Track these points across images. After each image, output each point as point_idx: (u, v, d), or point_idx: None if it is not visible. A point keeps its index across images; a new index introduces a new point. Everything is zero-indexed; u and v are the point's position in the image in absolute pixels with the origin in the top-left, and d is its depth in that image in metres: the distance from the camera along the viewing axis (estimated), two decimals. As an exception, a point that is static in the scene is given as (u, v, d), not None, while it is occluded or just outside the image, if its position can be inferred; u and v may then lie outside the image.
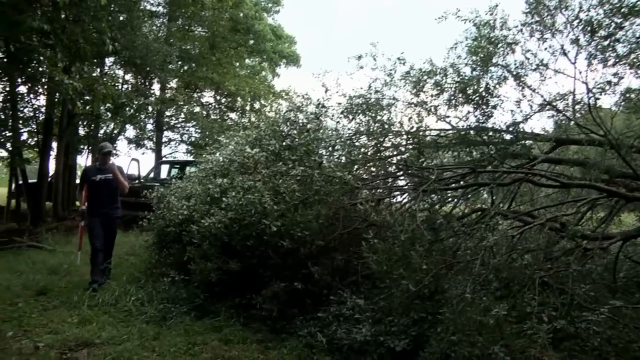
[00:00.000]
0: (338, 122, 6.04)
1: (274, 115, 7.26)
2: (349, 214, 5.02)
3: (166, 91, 21.29)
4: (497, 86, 5.28)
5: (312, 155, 5.37)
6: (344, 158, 5.67)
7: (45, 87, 11.93)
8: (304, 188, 4.99)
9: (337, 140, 5.58)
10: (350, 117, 5.90)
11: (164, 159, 21.38)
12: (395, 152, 5.83)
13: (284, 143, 5.96)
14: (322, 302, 4.60)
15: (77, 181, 20.92)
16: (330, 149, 5.74)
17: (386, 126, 5.65)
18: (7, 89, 14.46)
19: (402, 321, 4.01)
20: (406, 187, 5.68)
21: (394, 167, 5.72)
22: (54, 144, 15.76)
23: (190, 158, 20.21)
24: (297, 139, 5.58)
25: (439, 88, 5.51)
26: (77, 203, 19.05)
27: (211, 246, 5.19)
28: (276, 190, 5.13)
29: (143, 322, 4.94)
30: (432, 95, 5.60)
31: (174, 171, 15.50)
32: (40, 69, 10.88)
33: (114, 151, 18.76)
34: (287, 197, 4.93)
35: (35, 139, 16.20)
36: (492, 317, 3.24)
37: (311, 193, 4.91)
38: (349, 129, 5.92)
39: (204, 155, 8.87)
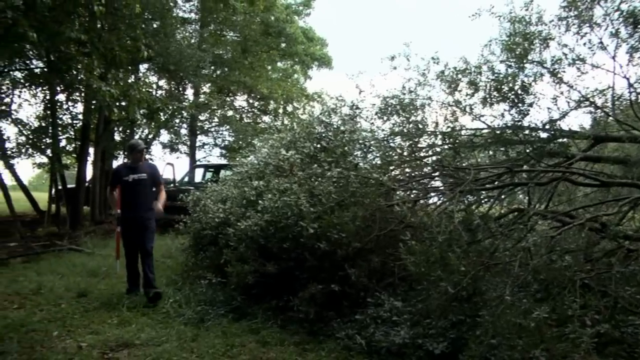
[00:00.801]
0: (372, 123, 6.08)
1: (308, 118, 7.32)
2: (385, 216, 5.01)
3: (199, 96, 21.63)
4: (533, 83, 5.22)
5: (348, 157, 5.40)
6: (379, 159, 5.69)
7: (83, 94, 12.28)
8: (340, 190, 5.02)
9: (372, 142, 5.59)
10: (385, 118, 5.92)
11: (198, 162, 21.74)
12: (430, 153, 5.82)
13: (318, 145, 6.01)
14: (359, 304, 4.61)
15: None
16: (365, 150, 5.75)
17: (421, 126, 5.65)
18: (48, 97, 15.04)
19: (441, 324, 3.99)
20: (442, 187, 5.66)
21: (429, 167, 5.71)
22: (91, 150, 16.26)
23: (224, 161, 20.52)
24: (332, 141, 5.62)
25: (473, 87, 5.47)
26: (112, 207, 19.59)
27: (248, 249, 5.28)
28: (312, 193, 5.18)
29: (181, 323, 5.04)
30: (466, 94, 5.58)
31: (208, 175, 15.72)
32: (78, 77, 11.19)
33: (147, 149, 19.16)
34: (323, 199, 4.97)
35: (73, 145, 16.79)
36: (533, 320, 3.21)
37: (347, 195, 4.93)
38: (383, 130, 5.95)
39: (237, 159, 9.02)
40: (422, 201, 5.57)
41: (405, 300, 4.41)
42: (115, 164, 20.90)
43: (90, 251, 9.50)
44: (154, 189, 6.28)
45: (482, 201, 5.46)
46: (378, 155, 5.66)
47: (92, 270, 7.60)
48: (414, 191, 5.62)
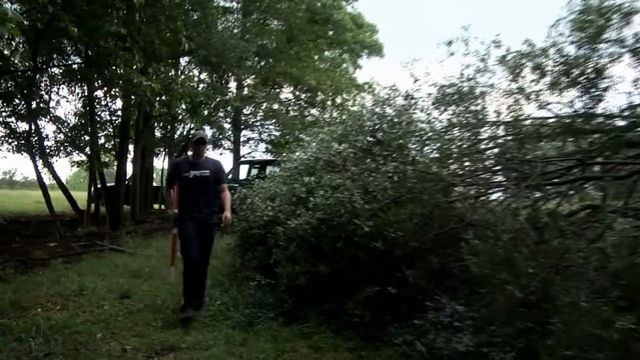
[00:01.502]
0: (429, 114, 6.00)
1: (360, 110, 7.30)
2: (445, 213, 4.94)
3: (243, 88, 21.92)
4: (609, 65, 5.00)
5: (404, 150, 5.35)
6: (437, 153, 5.61)
7: (122, 89, 12.58)
8: (396, 185, 4.98)
9: (430, 134, 5.52)
10: (442, 108, 5.83)
11: (242, 158, 22.07)
12: (492, 145, 5.69)
13: (372, 138, 5.99)
14: (418, 308, 4.55)
15: (155, 183, 22.29)
16: (422, 143, 5.69)
17: (481, 116, 5.54)
18: (86, 93, 15.47)
19: (507, 331, 3.88)
20: (505, 182, 5.52)
21: (491, 161, 5.59)
22: (131, 147, 16.63)
23: (270, 157, 20.73)
24: (387, 133, 5.59)
25: (539, 71, 5.31)
26: (160, 206, 20.35)
27: (298, 249, 5.32)
28: (366, 189, 5.16)
29: (229, 327, 5.11)
30: (531, 80, 5.42)
31: (254, 171, 15.92)
32: (118, 72, 11.42)
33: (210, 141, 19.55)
34: (378, 195, 4.95)
35: (112, 142, 17.28)
36: (615, 332, 3.06)
37: (404, 191, 4.89)
38: (440, 121, 5.87)
39: (285, 154, 9.10)
40: (483, 197, 5.45)
41: (467, 305, 4.32)
42: (156, 161, 21.64)
43: (131, 251, 9.74)
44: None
45: (550, 197, 5.30)
46: (436, 148, 5.58)
47: (135, 271, 7.78)
48: (475, 186, 5.50)
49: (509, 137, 5.41)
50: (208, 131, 21.48)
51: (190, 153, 6.11)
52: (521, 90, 5.44)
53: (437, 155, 5.48)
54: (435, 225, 4.85)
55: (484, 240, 4.10)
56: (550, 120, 5.47)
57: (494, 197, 5.45)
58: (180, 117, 17.41)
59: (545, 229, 4.18)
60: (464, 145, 5.65)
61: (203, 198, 5.62)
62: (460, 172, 5.53)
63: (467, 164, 5.66)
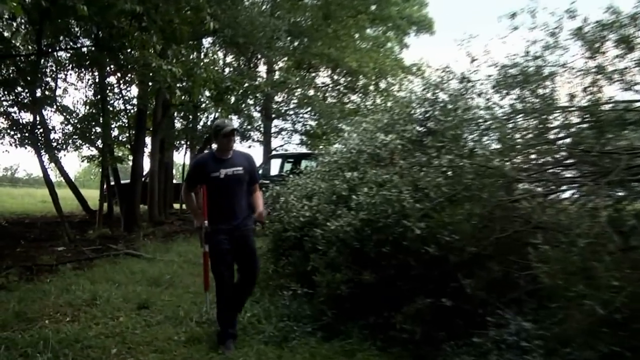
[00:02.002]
0: (488, 99, 5.91)
1: (408, 95, 7.27)
2: (508, 214, 4.86)
3: (274, 73, 22.02)
4: None
5: (460, 141, 5.29)
6: (498, 143, 5.52)
7: (138, 75, 12.62)
8: (452, 182, 4.94)
9: (490, 122, 5.44)
10: (504, 92, 5.73)
11: (274, 152, 22.22)
12: (564, 134, 5.57)
13: (423, 128, 5.95)
14: (477, 324, 4.48)
15: (176, 180, 22.53)
16: (481, 132, 5.61)
17: (551, 101, 5.42)
18: (97, 80, 15.64)
19: (586, 355, 3.70)
20: (580, 178, 5.39)
21: (563, 152, 5.46)
22: (148, 140, 16.83)
23: (305, 150, 20.78)
24: (441, 122, 5.53)
25: (624, 45, 5.14)
26: (181, 206, 20.62)
27: (339, 254, 5.33)
28: (417, 185, 5.14)
29: (261, 342, 5.13)
30: (615, 57, 5.25)
31: (287, 166, 15.97)
32: (133, 55, 11.45)
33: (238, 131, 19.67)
34: (430, 193, 4.91)
35: (127, 134, 17.46)
36: None
37: (460, 188, 4.83)
38: (502, 107, 5.77)
39: (322, 146, 9.11)
40: (554, 195, 5.34)
41: (536, 322, 4.22)
42: (176, 155, 21.96)
43: (150, 256, 9.90)
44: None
45: (637, 196, 5.15)
46: (497, 138, 5.49)
47: (154, 278, 7.89)
48: (543, 183, 5.39)
49: (585, 125, 5.26)
50: (235, 121, 21.67)
51: (214, 147, 5.64)
52: (601, 69, 5.28)
53: (498, 147, 5.38)
54: (496, 227, 4.76)
55: (556, 245, 4.00)
56: (638, 105, 5.31)
57: (566, 195, 5.32)
58: (203, 105, 17.61)
59: (632, 233, 4.06)
60: (530, 135, 5.52)
61: (238, 202, 5.20)
62: (525, 166, 5.41)
63: (534, 156, 5.54)
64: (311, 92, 23.22)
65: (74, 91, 29.22)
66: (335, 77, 24.47)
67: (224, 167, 5.17)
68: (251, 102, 20.21)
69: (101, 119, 15.02)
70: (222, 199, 5.19)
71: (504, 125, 5.46)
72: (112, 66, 14.16)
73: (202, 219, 5.29)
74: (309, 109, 22.69)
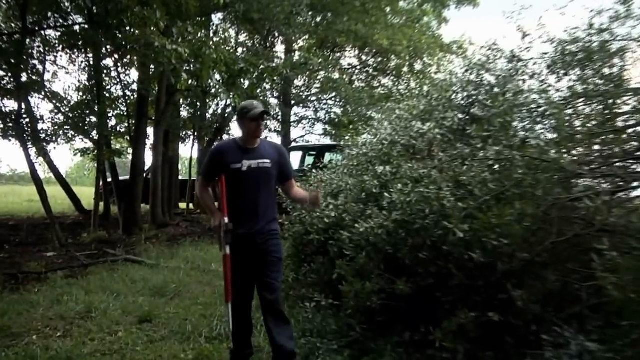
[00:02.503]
0: (543, 81, 5.85)
1: (448, 78, 7.22)
2: (567, 215, 4.79)
3: (294, 53, 22.02)
4: None
5: (509, 130, 5.23)
6: (554, 133, 5.45)
7: (139, 56, 12.55)
8: (500, 177, 4.89)
9: (546, 108, 5.36)
10: (562, 72, 5.67)
11: (294, 144, 22.24)
12: (635, 121, 5.47)
13: (466, 115, 5.90)
14: (530, 343, 4.44)
15: (182, 176, 22.59)
16: (534, 120, 5.54)
17: (619, 82, 5.34)
18: (91, 62, 15.66)
19: None
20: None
21: (634, 143, 5.37)
22: (150, 131, 16.94)
23: (329, 141, 20.76)
24: (487, 108, 5.47)
25: None
26: (188, 205, 20.73)
27: (369, 260, 5.29)
28: (459, 181, 5.09)
29: (280, 360, 5.14)
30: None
31: (309, 159, 16.01)
32: (133, 34, 11.38)
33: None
34: (475, 190, 4.86)
35: (126, 124, 17.51)
36: None
37: (510, 184, 4.77)
38: (560, 90, 5.71)
39: (349, 137, 9.08)
40: (622, 193, 5.25)
41: (603, 342, 4.12)
42: (183, 147, 22.03)
43: (153, 263, 9.99)
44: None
45: None
46: (554, 126, 5.41)
47: (157, 287, 7.94)
48: (609, 178, 5.31)
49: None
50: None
51: (238, 135, 5.24)
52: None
53: (555, 137, 5.31)
54: (553, 230, 4.69)
55: (626, 252, 3.94)
56: None
57: (637, 193, 5.24)
58: (213, 90, 17.65)
59: None
60: (594, 123, 5.45)
61: (262, 201, 4.91)
62: (588, 159, 5.35)
63: (597, 147, 5.46)
64: (336, 75, 23.14)
65: (65, 75, 29.43)
66: (364, 57, 24.43)
67: (247, 158, 4.87)
68: (268, 86, 20.21)
69: (96, 107, 15.09)
70: (242, 196, 4.86)
71: (562, 112, 5.39)
72: (108, 46, 14.17)
73: (221, 216, 4.84)
74: (334, 94, 22.65)
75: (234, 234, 4.76)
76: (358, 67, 24.86)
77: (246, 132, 4.94)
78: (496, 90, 5.83)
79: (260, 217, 4.85)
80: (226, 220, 4.78)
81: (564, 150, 5.02)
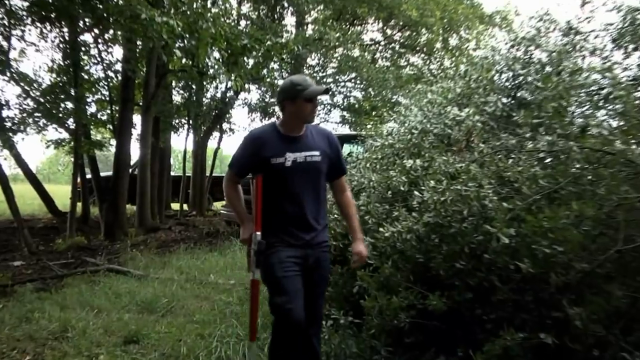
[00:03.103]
0: (606, 57, 5.80)
1: (489, 54, 7.20)
2: (636, 217, 4.74)
3: (306, 27, 22.02)
4: None
5: (565, 117, 5.18)
6: (619, 119, 5.40)
7: (124, 30, 12.48)
8: (553, 172, 4.84)
9: (610, 90, 5.30)
10: (630, 47, 5.61)
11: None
12: None
13: (511, 99, 5.86)
14: (591, 370, 4.42)
15: (174, 172, 22.72)
16: (594, 105, 5.49)
17: None
18: (66, 37, 15.58)
19: None
20: None
21: None
22: (137, 119, 16.98)
23: (348, 131, 20.74)
24: (537, 90, 5.42)
25: None
26: (182, 206, 20.80)
27: (396, 270, 5.28)
28: (503, 178, 5.08)
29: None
30: None
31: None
32: (117, 3, 11.34)
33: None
34: (523, 188, 4.83)
35: (109, 111, 17.50)
36: None
37: (565, 180, 4.73)
38: (627, 68, 5.65)
39: (371, 125, 9.05)
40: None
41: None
42: (175, 138, 22.22)
43: (140, 273, 10.00)
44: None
45: None
46: (620, 112, 5.36)
47: (146, 302, 7.95)
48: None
49: None
50: (254, 93, 21.66)
51: (275, 119, 4.97)
52: None
53: (621, 124, 5.26)
54: (618, 236, 4.63)
55: None
56: None
57: None
58: (211, 71, 17.64)
59: None
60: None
61: (311, 206, 4.64)
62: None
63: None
64: (356, 53, 23.14)
65: (35, 54, 29.61)
66: (389, 31, 24.41)
67: (292, 150, 4.57)
68: (276, 66, 20.19)
69: (73, 90, 15.11)
70: (288, 199, 4.59)
71: (630, 94, 5.32)
72: (87, 19, 14.13)
73: (252, 228, 4.57)
74: (353, 75, 22.63)
75: (278, 245, 4.49)
76: (382, 43, 24.86)
77: (294, 115, 4.60)
78: (548, 69, 5.79)
79: (312, 224, 4.61)
80: (258, 235, 4.47)
81: (632, 140, 4.95)
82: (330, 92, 4.69)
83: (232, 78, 15.60)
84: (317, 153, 4.60)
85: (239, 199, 4.76)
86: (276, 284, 4.46)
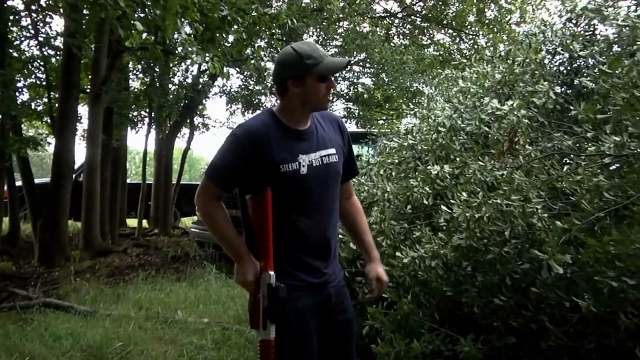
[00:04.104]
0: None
1: (538, 30, 7.21)
2: None
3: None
4: None
5: (638, 110, 5.18)
6: None
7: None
8: (623, 183, 4.83)
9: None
10: None
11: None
12: None
13: (566, 88, 5.86)
14: None
15: (130, 180, 22.58)
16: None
17: None
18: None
19: None
20: None
21: None
22: (83, 110, 17.02)
23: (355, 128, 20.75)
24: (603, 77, 5.42)
25: None
26: (140, 223, 20.62)
27: (418, 307, 5.31)
28: (556, 189, 5.10)
29: None
30: None
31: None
32: None
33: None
34: (582, 202, 4.81)
35: (46, 99, 17.40)
36: None
37: (639, 194, 4.72)
38: None
39: (385, 121, 9.07)
40: None
41: None
42: (133, 135, 22.08)
43: (87, 309, 9.88)
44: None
45: None
46: None
47: (94, 347, 7.85)
48: None
49: None
50: (235, 79, 21.67)
51: (272, 107, 4.38)
52: None
53: None
54: None
55: None
56: None
57: None
58: (180, 49, 17.62)
59: None
60: None
61: (332, 222, 4.22)
62: None
63: None
64: (365, 28, 23.20)
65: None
66: (408, 0, 24.44)
67: (304, 150, 4.03)
68: (263, 44, 20.15)
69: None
70: (305, 219, 4.04)
71: None
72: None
73: (256, 265, 3.97)
74: (362, 56, 22.68)
75: (295, 285, 3.91)
76: (399, 16, 24.88)
77: (302, 100, 4.00)
78: (617, 49, 5.78)
79: (332, 252, 4.21)
80: (272, 277, 3.82)
81: None
82: (350, 65, 4.34)
83: (207, 58, 15.60)
84: (333, 151, 4.13)
85: (227, 222, 4.04)
86: (296, 348, 3.94)
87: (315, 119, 4.17)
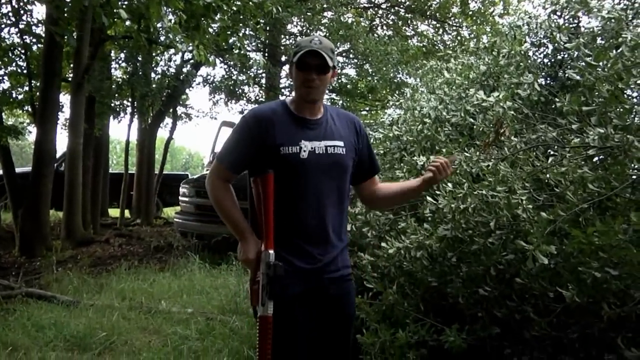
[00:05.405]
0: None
1: (522, 21, 7.22)
2: None
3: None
4: None
5: (624, 103, 5.20)
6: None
7: None
8: (607, 174, 4.85)
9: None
10: None
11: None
12: None
13: (551, 80, 5.88)
14: None
15: (112, 169, 22.59)
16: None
17: None
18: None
19: None
20: None
21: None
22: (65, 99, 16.97)
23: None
24: (587, 69, 5.45)
25: None
26: (122, 213, 20.56)
27: (403, 297, 5.31)
28: (541, 180, 5.12)
29: None
30: None
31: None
32: None
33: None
34: (567, 194, 4.84)
35: (27, 88, 17.37)
36: None
37: (622, 185, 4.75)
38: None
39: (366, 112, 9.08)
40: None
41: None
42: (115, 125, 22.28)
43: (69, 299, 9.85)
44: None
45: None
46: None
47: (77, 337, 7.85)
48: None
49: None
50: (219, 69, 21.56)
51: (283, 97, 4.72)
52: None
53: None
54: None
55: None
56: None
57: None
58: (164, 38, 17.55)
59: None
60: None
61: (332, 213, 4.27)
62: None
63: None
64: (349, 18, 23.17)
65: None
66: (392, -9, 24.48)
67: (308, 137, 4.18)
68: (248, 32, 20.12)
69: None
70: (302, 203, 4.19)
71: None
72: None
73: (258, 243, 4.13)
74: (346, 46, 22.65)
75: (289, 264, 4.02)
76: (383, 6, 24.87)
77: (294, 88, 4.26)
78: (600, 41, 5.80)
79: (330, 240, 4.21)
80: (271, 255, 3.96)
81: None
82: (328, 57, 4.02)
83: (192, 46, 15.52)
84: (340, 143, 4.23)
85: (234, 203, 4.22)
86: (284, 335, 3.97)
87: (329, 114, 4.35)
